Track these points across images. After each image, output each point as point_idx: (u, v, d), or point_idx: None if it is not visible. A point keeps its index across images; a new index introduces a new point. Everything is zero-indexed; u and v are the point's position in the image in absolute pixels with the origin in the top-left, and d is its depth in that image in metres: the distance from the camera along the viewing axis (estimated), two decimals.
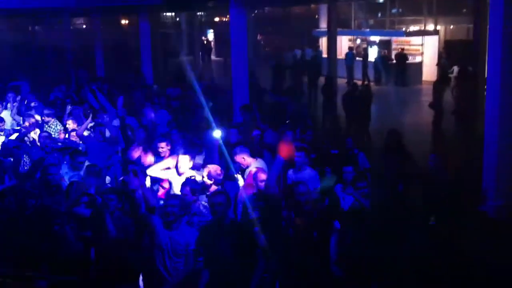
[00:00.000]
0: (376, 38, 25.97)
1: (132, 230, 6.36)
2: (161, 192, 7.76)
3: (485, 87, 10.56)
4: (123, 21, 41.48)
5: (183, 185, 6.82)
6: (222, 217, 5.76)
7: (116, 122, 10.59)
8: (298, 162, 7.89)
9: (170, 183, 7.67)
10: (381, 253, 6.12)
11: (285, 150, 6.68)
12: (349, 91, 15.76)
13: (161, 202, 6.99)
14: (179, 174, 7.58)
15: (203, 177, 7.26)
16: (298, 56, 26.72)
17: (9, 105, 12.65)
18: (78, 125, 10.51)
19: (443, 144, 14.32)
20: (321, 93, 18.07)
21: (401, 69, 23.50)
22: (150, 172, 7.72)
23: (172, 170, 7.70)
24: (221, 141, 8.45)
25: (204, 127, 10.32)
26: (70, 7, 18.27)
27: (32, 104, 12.55)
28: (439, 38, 24.76)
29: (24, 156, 8.98)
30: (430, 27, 25.83)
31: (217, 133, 8.31)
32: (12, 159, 9.11)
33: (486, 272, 6.98)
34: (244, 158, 7.97)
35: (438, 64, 22.11)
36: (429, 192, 8.12)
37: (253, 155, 8.21)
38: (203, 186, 7.06)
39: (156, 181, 7.84)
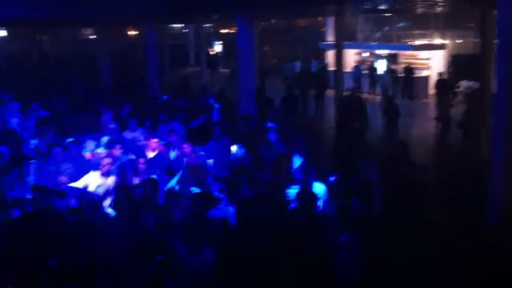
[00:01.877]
0: (383, 52, 25.92)
1: None
2: None
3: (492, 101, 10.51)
4: (130, 32, 41.68)
5: None
6: None
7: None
8: None
9: None
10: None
11: None
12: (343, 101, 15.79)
13: None
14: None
15: None
16: (297, 68, 26.65)
17: None
18: None
19: (447, 157, 14.30)
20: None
21: (408, 82, 23.44)
22: None
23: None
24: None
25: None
26: (76, 18, 18.39)
27: None
28: (446, 52, 24.69)
29: None
30: (437, 41, 25.76)
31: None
32: None
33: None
34: None
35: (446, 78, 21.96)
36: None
37: None
38: None
39: None
